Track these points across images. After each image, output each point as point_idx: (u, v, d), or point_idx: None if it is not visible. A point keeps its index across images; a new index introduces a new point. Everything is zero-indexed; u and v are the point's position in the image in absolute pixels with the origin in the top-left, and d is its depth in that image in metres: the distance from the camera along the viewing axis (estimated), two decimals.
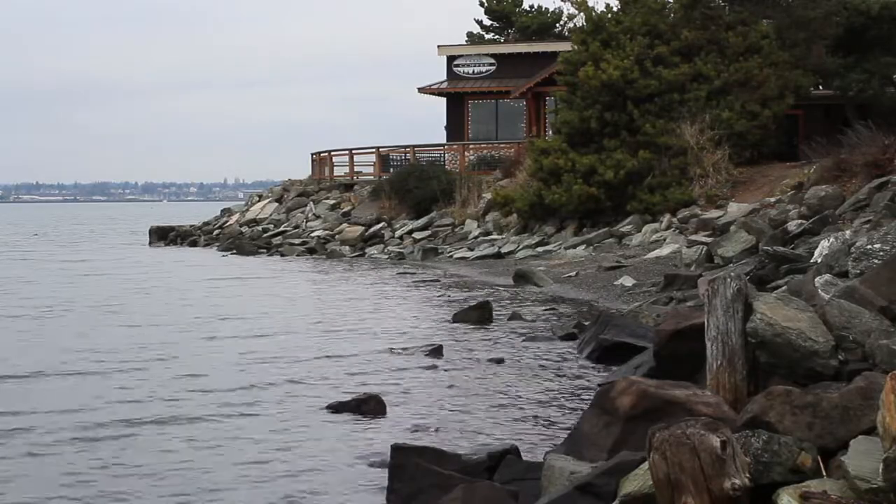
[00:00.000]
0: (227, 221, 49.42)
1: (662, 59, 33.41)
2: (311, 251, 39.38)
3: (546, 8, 56.72)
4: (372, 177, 44.86)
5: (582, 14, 36.62)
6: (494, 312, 19.67)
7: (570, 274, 26.01)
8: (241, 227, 46.50)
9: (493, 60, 47.35)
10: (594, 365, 14.41)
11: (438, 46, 48.28)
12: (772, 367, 7.84)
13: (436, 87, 48.02)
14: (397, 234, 39.27)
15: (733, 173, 31.96)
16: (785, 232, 19.74)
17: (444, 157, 44.05)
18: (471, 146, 44.21)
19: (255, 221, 46.36)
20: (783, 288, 13.09)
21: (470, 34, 57.66)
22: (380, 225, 40.20)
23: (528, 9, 56.82)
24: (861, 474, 5.68)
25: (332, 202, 44.22)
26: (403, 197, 40.36)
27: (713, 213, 29.07)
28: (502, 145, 43.50)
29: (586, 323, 17.11)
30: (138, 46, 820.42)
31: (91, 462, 9.71)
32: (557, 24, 55.44)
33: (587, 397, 11.53)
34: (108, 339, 17.59)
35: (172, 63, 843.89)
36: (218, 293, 25.48)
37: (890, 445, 5.56)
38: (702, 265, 22.27)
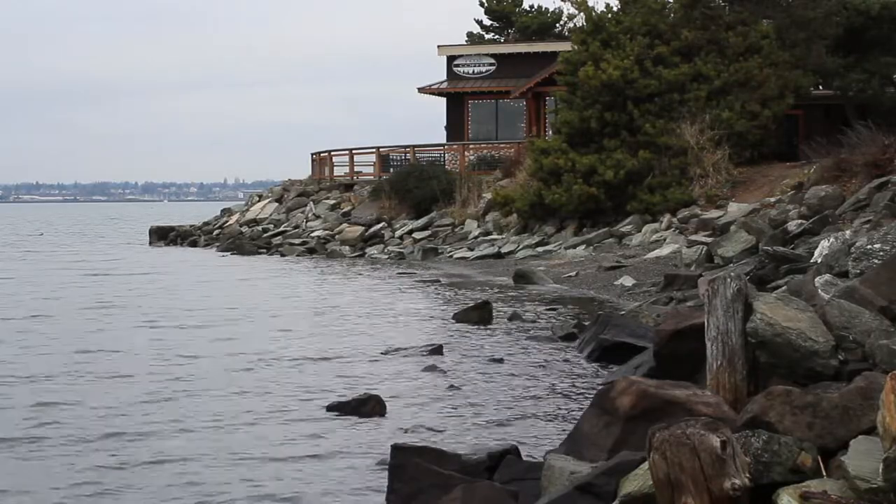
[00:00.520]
0: (227, 221, 49.39)
1: (662, 59, 33.41)
2: (311, 251, 39.36)
3: (546, 8, 56.83)
4: (372, 177, 44.85)
5: (582, 14, 36.66)
6: (494, 312, 19.67)
7: (571, 274, 26.02)
8: (241, 227, 46.48)
9: (493, 60, 47.33)
10: (594, 365, 14.41)
11: (438, 46, 48.29)
12: (772, 367, 7.84)
13: (436, 87, 48.01)
14: (397, 234, 39.26)
15: (733, 173, 31.98)
16: (785, 232, 19.74)
17: (444, 157, 44.01)
18: (471, 146, 44.18)
19: (255, 221, 46.34)
20: (783, 288, 13.10)
21: (470, 34, 57.65)
22: (380, 225, 40.19)
23: (528, 9, 56.82)
24: (861, 474, 5.68)
25: (332, 202, 44.20)
26: (403, 197, 40.34)
27: (713, 213, 29.08)
28: (502, 145, 43.48)
29: (586, 323, 17.12)
30: (138, 46, 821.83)
31: (91, 462, 9.71)
32: (557, 24, 55.45)
33: (587, 397, 11.52)
34: (107, 339, 17.58)
35: (172, 63, 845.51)
36: (218, 293, 25.47)
37: (890, 445, 5.55)
38: (702, 265, 22.28)
